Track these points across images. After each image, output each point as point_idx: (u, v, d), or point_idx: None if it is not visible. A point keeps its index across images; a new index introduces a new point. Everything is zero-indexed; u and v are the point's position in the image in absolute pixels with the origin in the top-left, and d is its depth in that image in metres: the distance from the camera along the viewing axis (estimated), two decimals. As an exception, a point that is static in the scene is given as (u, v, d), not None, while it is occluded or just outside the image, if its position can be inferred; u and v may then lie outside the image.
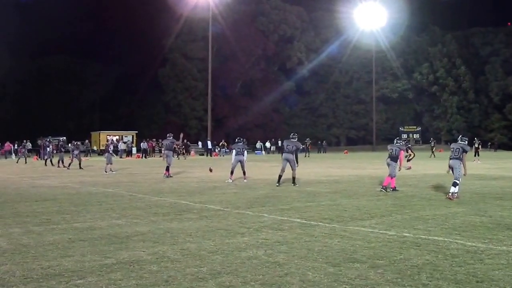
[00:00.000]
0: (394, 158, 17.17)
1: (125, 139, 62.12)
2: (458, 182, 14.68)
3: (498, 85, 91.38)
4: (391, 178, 16.95)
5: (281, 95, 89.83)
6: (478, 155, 40.32)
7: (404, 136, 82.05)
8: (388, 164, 17.17)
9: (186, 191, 17.22)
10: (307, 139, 61.70)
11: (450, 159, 15.23)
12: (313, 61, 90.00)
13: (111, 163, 27.64)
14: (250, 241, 8.70)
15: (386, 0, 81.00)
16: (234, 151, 21.35)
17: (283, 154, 19.28)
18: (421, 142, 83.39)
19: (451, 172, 15.14)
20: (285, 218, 11.30)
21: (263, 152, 67.68)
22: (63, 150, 34.94)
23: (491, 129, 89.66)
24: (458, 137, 16.26)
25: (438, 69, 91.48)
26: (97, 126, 77.78)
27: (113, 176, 24.73)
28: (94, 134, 69.12)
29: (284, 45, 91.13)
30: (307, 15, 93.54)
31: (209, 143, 62.40)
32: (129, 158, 53.49)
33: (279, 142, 69.58)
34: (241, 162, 20.65)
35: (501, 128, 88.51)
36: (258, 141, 70.39)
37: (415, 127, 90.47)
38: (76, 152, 31.85)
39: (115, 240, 8.69)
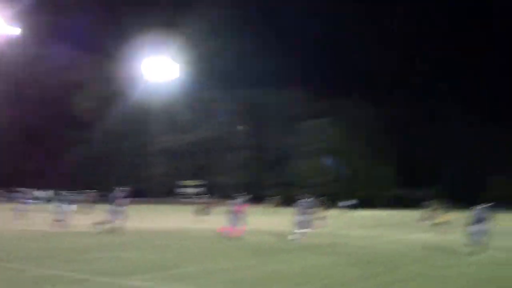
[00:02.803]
0: (236, 212, 20.97)
1: None
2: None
3: (277, 144, 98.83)
4: (234, 227, 20.52)
5: (65, 144, 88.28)
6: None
7: (186, 189, 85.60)
8: (231, 218, 21.01)
9: None
10: (91, 190, 61.63)
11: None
12: (100, 111, 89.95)
13: None
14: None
15: (177, 55, 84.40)
16: None
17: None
18: (203, 196, 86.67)
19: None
20: (52, 273, 11.60)
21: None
22: None
23: (269, 185, 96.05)
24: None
25: (222, 125, 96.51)
26: None
27: None
28: None
29: (71, 91, 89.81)
30: (98, 64, 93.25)
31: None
32: None
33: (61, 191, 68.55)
34: None
35: (278, 185, 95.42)
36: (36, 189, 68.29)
37: (197, 181, 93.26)
38: None
39: None
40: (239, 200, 21.70)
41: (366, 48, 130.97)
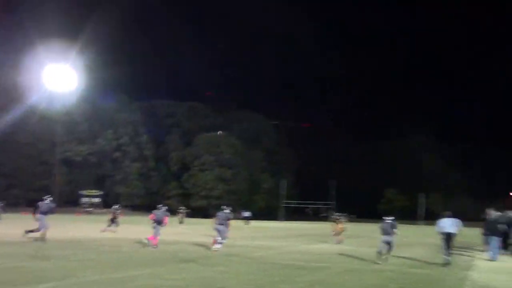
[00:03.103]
0: (159, 222, 22.39)
1: None
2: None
3: (177, 155, 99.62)
4: (155, 237, 22.02)
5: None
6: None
7: (86, 199, 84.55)
8: (154, 227, 22.28)
9: None
10: None
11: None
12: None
13: None
14: None
15: (77, 64, 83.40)
16: None
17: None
18: (102, 206, 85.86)
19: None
20: None
21: None
22: None
23: (169, 196, 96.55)
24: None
25: (122, 136, 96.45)
26: None
27: None
28: None
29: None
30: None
31: None
32: None
33: None
34: None
35: (178, 196, 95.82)
36: None
37: (96, 191, 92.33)
38: None
39: None
40: (161, 211, 22.95)
41: (267, 62, 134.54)
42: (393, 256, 20.83)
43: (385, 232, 20.43)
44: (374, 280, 14.93)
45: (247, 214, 67.74)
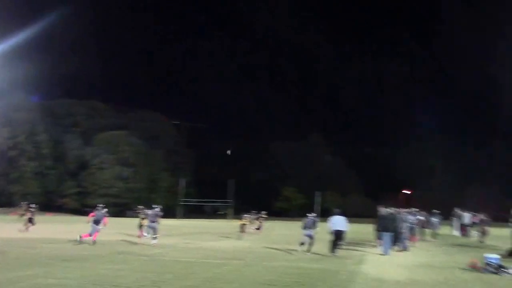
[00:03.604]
0: (97, 222, 23.82)
1: None
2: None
3: (75, 154, 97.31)
4: (92, 234, 23.46)
5: None
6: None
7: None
8: (91, 226, 23.91)
9: None
10: None
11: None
12: None
13: None
14: None
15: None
16: None
17: None
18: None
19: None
20: None
21: None
22: None
23: (65, 194, 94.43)
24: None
25: (19, 134, 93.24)
26: None
27: None
28: None
29: None
30: None
31: None
32: None
33: None
34: None
35: (74, 194, 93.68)
36: None
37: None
38: None
39: None
40: (101, 212, 23.70)
41: (167, 61, 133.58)
42: (288, 251, 21.32)
43: (308, 226, 21.59)
44: (270, 275, 15.14)
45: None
